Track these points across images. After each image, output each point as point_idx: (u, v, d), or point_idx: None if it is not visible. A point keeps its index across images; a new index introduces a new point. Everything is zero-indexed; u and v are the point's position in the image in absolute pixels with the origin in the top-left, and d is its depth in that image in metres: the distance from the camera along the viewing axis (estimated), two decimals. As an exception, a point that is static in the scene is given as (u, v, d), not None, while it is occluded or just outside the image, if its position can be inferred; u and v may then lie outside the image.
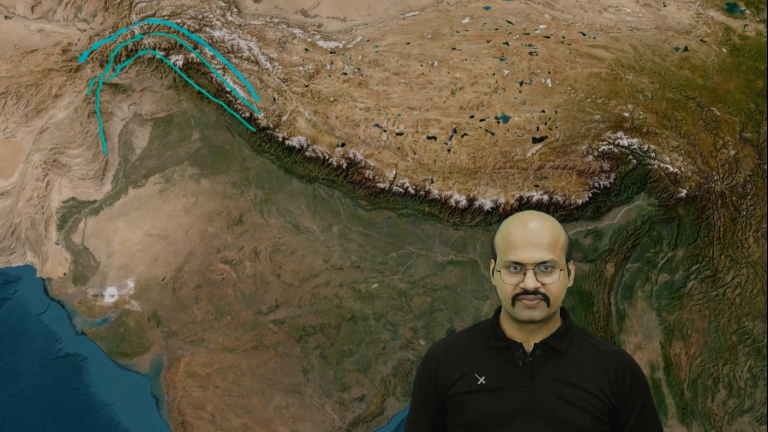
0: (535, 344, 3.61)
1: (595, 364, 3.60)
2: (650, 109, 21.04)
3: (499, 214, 20.97)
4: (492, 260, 3.75)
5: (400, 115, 20.92)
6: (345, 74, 21.05)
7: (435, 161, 20.85)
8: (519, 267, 3.52)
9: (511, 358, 3.62)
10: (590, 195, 20.86)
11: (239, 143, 21.45)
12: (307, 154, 20.96)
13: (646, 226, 20.98)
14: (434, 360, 3.86)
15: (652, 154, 20.97)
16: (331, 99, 20.96)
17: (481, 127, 20.95)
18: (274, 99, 20.98)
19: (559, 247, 3.54)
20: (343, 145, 20.89)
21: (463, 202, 20.80)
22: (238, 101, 21.05)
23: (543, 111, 20.96)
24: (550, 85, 20.97)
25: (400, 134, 20.87)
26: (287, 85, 20.93)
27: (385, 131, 20.84)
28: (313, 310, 20.94)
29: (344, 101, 20.99)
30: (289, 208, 21.27)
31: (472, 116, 20.96)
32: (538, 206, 20.88)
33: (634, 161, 20.98)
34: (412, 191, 20.88)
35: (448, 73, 21.06)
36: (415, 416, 3.99)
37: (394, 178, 20.82)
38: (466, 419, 3.67)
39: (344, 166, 20.94)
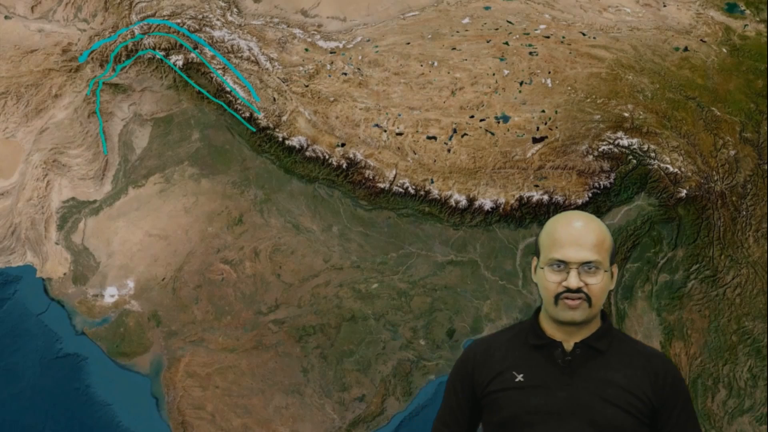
0: (575, 343, 3.61)
1: (637, 365, 3.61)
2: (650, 109, 21.04)
3: (499, 214, 20.97)
4: (534, 257, 3.70)
5: (400, 115, 20.92)
6: (345, 74, 21.04)
7: (435, 161, 20.84)
8: (563, 265, 3.49)
9: (550, 356, 3.63)
10: (590, 195, 20.86)
11: (239, 143, 21.45)
12: (307, 154, 20.96)
13: (646, 226, 20.97)
14: (471, 359, 3.87)
15: (652, 154, 20.97)
16: (331, 99, 20.95)
17: (481, 127, 20.94)
18: (274, 99, 20.98)
19: (605, 248, 3.53)
20: (343, 145, 20.88)
21: (463, 202, 20.80)
22: (238, 101, 21.04)
23: (543, 111, 20.95)
24: (550, 85, 20.96)
25: (400, 134, 20.87)
26: (287, 85, 20.93)
27: (385, 131, 20.84)
28: (313, 310, 20.93)
29: (344, 101, 20.98)
30: (289, 208, 21.26)
31: (472, 116, 20.95)
32: (538, 206, 20.90)
33: (634, 161, 20.97)
34: (412, 191, 20.87)
35: (448, 73, 21.05)
36: (447, 414, 3.99)
37: (394, 178, 20.81)
38: (503, 417, 3.68)
39: (344, 166, 20.93)
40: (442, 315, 21.04)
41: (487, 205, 20.79)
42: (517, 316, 21.25)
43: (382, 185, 20.85)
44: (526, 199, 20.83)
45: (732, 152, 20.93)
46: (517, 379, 3.62)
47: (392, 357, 20.93)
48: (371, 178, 20.85)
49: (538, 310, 3.79)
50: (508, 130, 20.91)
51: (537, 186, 20.82)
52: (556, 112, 20.93)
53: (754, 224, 21.03)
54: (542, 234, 3.64)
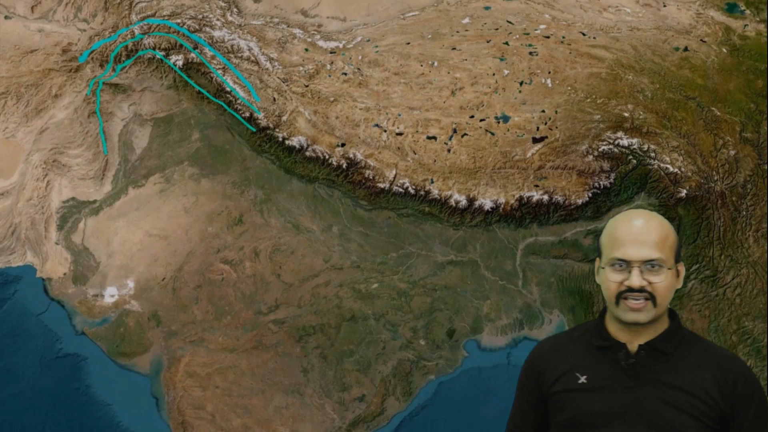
0: (640, 345, 3.52)
1: (704, 368, 3.49)
2: (650, 109, 21.03)
3: (499, 214, 20.96)
4: (597, 258, 3.65)
5: (400, 115, 20.91)
6: (345, 74, 21.04)
7: (435, 161, 20.84)
8: (624, 264, 3.43)
9: (613, 358, 3.55)
10: (590, 195, 20.85)
11: (239, 143, 21.45)
12: (307, 154, 20.96)
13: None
14: (537, 358, 3.85)
15: (652, 154, 20.96)
16: (331, 99, 20.94)
17: (481, 127, 20.94)
18: (274, 99, 20.97)
19: (668, 246, 3.44)
20: (343, 145, 20.88)
21: (463, 202, 20.79)
22: (238, 101, 21.04)
23: (543, 111, 20.95)
24: (550, 85, 20.96)
25: (400, 134, 20.86)
26: (287, 85, 20.93)
27: (385, 131, 20.83)
28: (313, 310, 20.92)
29: (344, 101, 20.97)
30: (289, 208, 21.26)
31: (472, 116, 20.94)
32: (538, 206, 20.90)
33: (634, 161, 20.97)
34: (412, 191, 20.87)
35: (448, 73, 21.05)
36: (517, 414, 3.97)
37: (394, 178, 20.81)
38: (566, 418, 3.64)
39: (344, 166, 20.92)
40: (442, 315, 21.02)
41: (487, 205, 20.79)
42: (516, 316, 21.26)
43: (382, 185, 20.84)
44: (526, 199, 20.83)
45: (732, 152, 20.92)
46: (580, 381, 3.58)
47: (392, 357, 20.91)
48: (371, 178, 20.85)
49: (605, 310, 3.73)
50: (508, 130, 20.90)
51: (537, 186, 20.81)
52: (556, 112, 20.93)
53: (754, 224, 21.03)
54: (603, 233, 3.59)
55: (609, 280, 3.46)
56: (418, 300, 21.06)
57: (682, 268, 3.53)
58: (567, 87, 20.98)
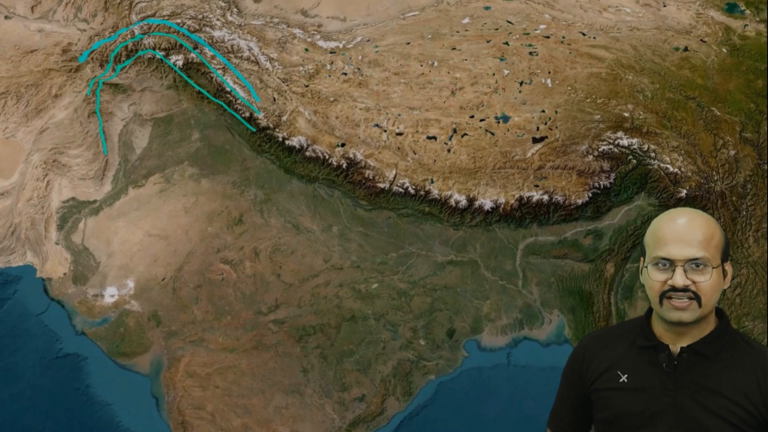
0: (682, 348, 3.47)
1: (746, 373, 3.41)
2: (650, 109, 21.03)
3: (499, 214, 20.96)
4: (641, 258, 3.62)
5: (400, 115, 20.90)
6: (345, 74, 21.04)
7: (435, 161, 20.83)
8: (668, 263, 3.38)
9: (655, 359, 3.52)
10: (590, 195, 20.84)
11: (239, 143, 21.44)
12: (307, 154, 20.95)
13: (646, 226, 20.87)
14: (582, 352, 3.85)
15: (652, 154, 20.95)
16: (331, 99, 20.93)
17: (481, 127, 20.93)
18: (274, 99, 20.97)
19: (713, 245, 3.37)
20: (343, 145, 20.87)
21: (463, 202, 20.78)
22: (238, 101, 21.04)
23: (543, 111, 20.94)
24: (550, 85, 20.96)
25: (400, 134, 20.85)
26: (287, 85, 20.92)
27: (385, 131, 20.82)
28: (313, 310, 20.92)
29: (344, 101, 20.96)
30: (289, 208, 21.25)
31: (472, 116, 20.93)
32: (538, 206, 20.90)
33: (634, 161, 20.96)
34: (412, 191, 20.86)
35: (448, 73, 21.04)
36: (559, 404, 4.02)
37: (394, 178, 20.80)
38: (607, 415, 3.64)
39: (344, 166, 20.92)
40: (442, 315, 21.01)
41: (487, 205, 20.78)
42: (516, 316, 21.25)
43: (382, 185, 20.83)
44: (526, 199, 20.82)
45: (732, 152, 20.92)
46: (621, 380, 3.57)
47: (392, 357, 20.90)
48: (371, 178, 20.84)
49: (651, 310, 3.69)
50: (508, 130, 20.89)
51: (537, 186, 20.80)
52: (556, 112, 20.92)
53: (754, 224, 21.02)
54: (647, 233, 3.56)
55: (652, 279, 3.41)
56: (418, 300, 21.05)
57: (729, 267, 3.46)
58: (567, 87, 20.97)
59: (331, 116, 20.89)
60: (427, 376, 20.81)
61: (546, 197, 20.82)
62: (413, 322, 20.99)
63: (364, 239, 21.21)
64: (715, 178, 20.92)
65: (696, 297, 3.35)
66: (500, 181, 20.77)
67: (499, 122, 20.90)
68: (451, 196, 20.75)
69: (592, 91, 21.02)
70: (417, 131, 20.80)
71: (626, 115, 20.92)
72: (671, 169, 20.88)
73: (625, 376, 3.53)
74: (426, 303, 21.04)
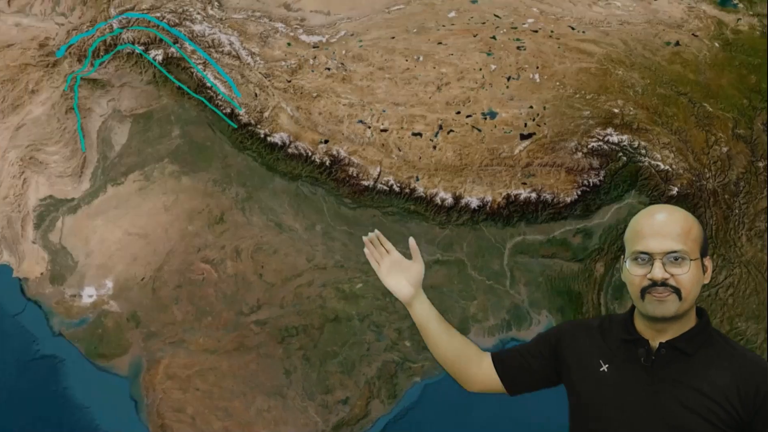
0: (661, 343, 3.42)
1: (726, 372, 3.34)
2: (641, 105, 20.55)
3: (486, 213, 20.49)
4: (622, 256, 3.60)
5: (384, 111, 20.44)
6: (328, 69, 20.56)
7: (420, 158, 20.37)
8: (647, 257, 3.34)
9: (635, 353, 3.47)
10: (579, 193, 20.38)
11: (220, 140, 20.97)
12: (290, 151, 20.48)
13: (636, 225, 20.48)
14: (565, 329, 3.84)
15: (643, 151, 20.49)
16: (314, 94, 20.46)
17: (467, 124, 20.46)
18: (256, 95, 20.49)
19: (691, 238, 3.35)
20: (326, 141, 20.40)
21: (449, 200, 20.32)
22: (219, 97, 20.56)
23: (531, 107, 20.47)
24: (538, 80, 20.48)
25: (384, 131, 20.38)
26: (269, 81, 20.44)
27: (370, 127, 20.35)
28: (296, 311, 20.48)
29: (327, 97, 20.49)
30: (271, 207, 20.80)
31: (459, 112, 20.46)
32: (526, 204, 20.43)
33: (624, 158, 20.49)
34: (397, 189, 20.39)
35: (434, 68, 20.58)
36: (513, 347, 4.01)
37: (379, 175, 20.33)
38: (581, 402, 3.58)
39: (327, 163, 20.45)
40: (428, 316, 20.54)
41: (474, 203, 20.31)
42: (504, 317, 20.79)
43: (366, 183, 20.37)
44: (513, 197, 20.35)
45: (724, 149, 20.45)
46: (602, 369, 3.50)
47: (377, 359, 20.48)
48: (355, 175, 20.37)
49: (634, 307, 3.64)
50: (495, 126, 20.43)
51: (525, 184, 20.34)
52: (544, 107, 20.46)
53: (747, 223, 20.56)
54: (627, 230, 3.55)
55: (632, 274, 3.40)
56: (403, 300, 20.57)
57: (709, 262, 3.43)
58: (555, 82, 20.49)
59: (314, 112, 20.41)
60: (412, 378, 20.38)
61: (534, 195, 20.34)
62: (398, 323, 20.55)
63: (348, 238, 20.75)
64: (708, 175, 20.46)
65: (676, 290, 3.31)
66: (487, 179, 20.29)
67: (486, 118, 20.43)
68: (436, 194, 20.28)
69: (581, 87, 20.55)
70: (402, 127, 20.33)
71: (616, 111, 20.45)
72: (662, 166, 20.41)
73: (606, 366, 3.49)
74: (411, 303, 20.55)
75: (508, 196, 20.31)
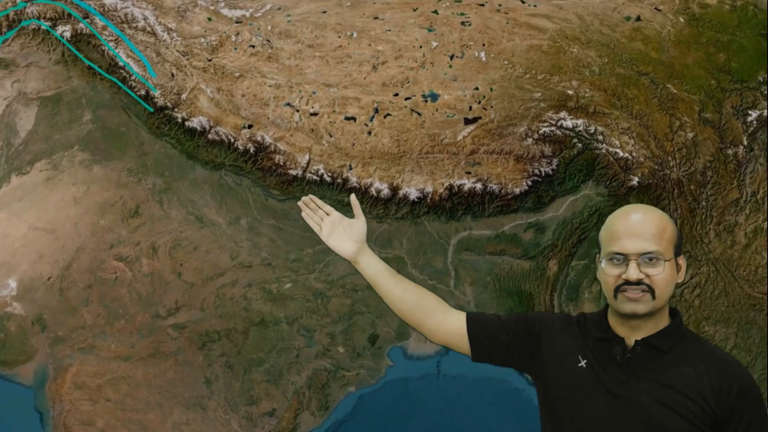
0: (636, 341, 3.38)
1: (700, 370, 3.32)
2: (598, 86, 18.65)
3: (427, 205, 18.60)
4: (597, 255, 3.51)
5: (314, 92, 18.54)
6: (253, 47, 18.64)
7: (354, 145, 18.47)
8: (622, 258, 3.29)
9: (610, 351, 3.43)
10: (530, 183, 18.52)
11: (136, 125, 19.08)
12: (210, 137, 18.59)
13: (594, 219, 18.65)
14: (543, 318, 3.72)
15: (600, 137, 18.60)
16: (237, 75, 18.56)
17: (406, 107, 18.56)
18: (173, 75, 18.58)
19: (666, 238, 3.29)
20: (250, 126, 18.51)
21: (386, 191, 18.43)
22: (133, 77, 18.65)
23: (476, 88, 18.57)
24: (484, 59, 18.58)
25: (314, 114, 18.49)
26: (187, 59, 18.53)
27: (298, 111, 18.46)
28: (218, 314, 18.70)
29: (251, 77, 18.58)
30: (191, 198, 18.95)
31: (396, 94, 18.58)
32: (471, 196, 18.54)
33: (580, 145, 18.62)
34: (328, 179, 18.50)
35: (370, 45, 18.66)
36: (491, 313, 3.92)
37: (308, 164, 18.44)
38: (556, 397, 3.51)
39: (252, 150, 18.56)
40: (364, 319, 18.79)
41: (413, 194, 18.43)
42: (448, 319, 18.91)
43: (294, 172, 18.49)
44: (456, 187, 18.47)
45: (690, 135, 18.57)
46: (579, 364, 3.46)
47: (307, 366, 18.72)
48: (282, 164, 18.48)
49: (608, 305, 3.58)
50: (437, 109, 18.53)
51: (469, 173, 18.46)
52: (491, 89, 18.56)
53: (715, 216, 18.69)
54: (601, 230, 3.48)
55: (607, 274, 3.36)
56: (336, 302, 18.79)
57: (683, 261, 3.41)
58: (504, 61, 18.58)
59: (236, 94, 18.51)
60: (346, 388, 18.68)
61: (479, 186, 18.45)
62: (331, 326, 18.75)
63: (276, 233, 18.90)
64: (671, 164, 18.58)
65: (650, 290, 3.29)
66: (427, 168, 18.41)
67: (426, 101, 18.54)
68: (371, 185, 18.39)
69: (532, 66, 18.63)
70: (333, 111, 18.44)
71: (570, 92, 18.54)
72: (621, 153, 18.52)
73: (585, 361, 3.44)
74: (345, 305, 18.78)
75: (451, 186, 18.43)
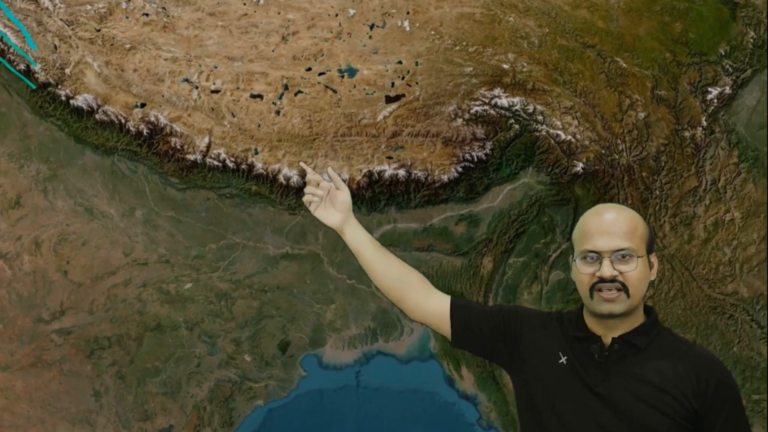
0: (613, 339, 3.38)
1: (678, 365, 3.32)
2: (537, 60, 16.47)
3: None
4: (571, 255, 3.46)
5: (216, 67, 16.37)
6: (146, 15, 16.45)
7: (260, 126, 16.30)
8: (595, 256, 3.30)
9: (588, 349, 3.41)
10: (460, 170, 16.37)
11: (18, 104, 16.89)
12: (98, 117, 16.39)
13: (534, 210, 16.54)
14: (522, 313, 3.67)
15: (540, 118, 16.45)
16: (128, 47, 16.37)
17: (319, 83, 16.39)
18: (56, 47, 16.37)
19: (638, 235, 3.32)
20: (143, 105, 16.33)
21: (295, 178, 16.25)
22: (12, 50, 16.45)
23: (399, 62, 16.39)
24: (408, 29, 16.40)
25: (215, 92, 16.32)
26: (72, 29, 16.33)
27: (197, 88, 16.30)
28: (109, 317, 16.68)
29: (145, 49, 16.39)
30: (80, 187, 16.81)
31: (309, 69, 16.41)
32: (393, 184, 16.39)
33: (517, 127, 16.47)
34: (231, 164, 16.32)
35: (279, 13, 16.47)
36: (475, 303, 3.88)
37: (208, 148, 16.27)
38: (536, 394, 3.49)
39: (145, 132, 16.37)
40: (274, 323, 16.72)
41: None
42: (369, 324, 16.82)
43: (192, 157, 16.30)
44: (377, 174, 16.31)
45: (641, 115, 16.41)
46: (560, 360, 3.46)
47: (209, 377, 16.70)
48: (179, 147, 16.31)
49: (584, 305, 3.54)
50: (355, 86, 16.36)
51: (390, 158, 16.31)
52: (416, 63, 16.39)
53: (670, 207, 16.54)
54: (575, 229, 3.48)
55: (581, 272, 3.37)
56: (242, 304, 16.71)
57: (654, 259, 3.44)
58: (430, 31, 16.38)
59: (127, 69, 16.32)
60: (253, 401, 16.70)
61: (402, 172, 16.29)
62: (236, 332, 16.67)
63: (175, 227, 16.77)
64: (621, 147, 16.43)
65: (624, 288, 3.30)
66: (344, 152, 16.24)
67: (342, 76, 16.37)
68: (279, 171, 16.22)
69: (463, 37, 16.44)
70: (237, 88, 16.26)
71: (506, 67, 16.36)
72: (564, 136, 16.36)
73: (565, 358, 3.45)
74: (253, 308, 16.69)
75: (370, 173, 16.26)
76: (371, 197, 16.46)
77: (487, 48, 16.47)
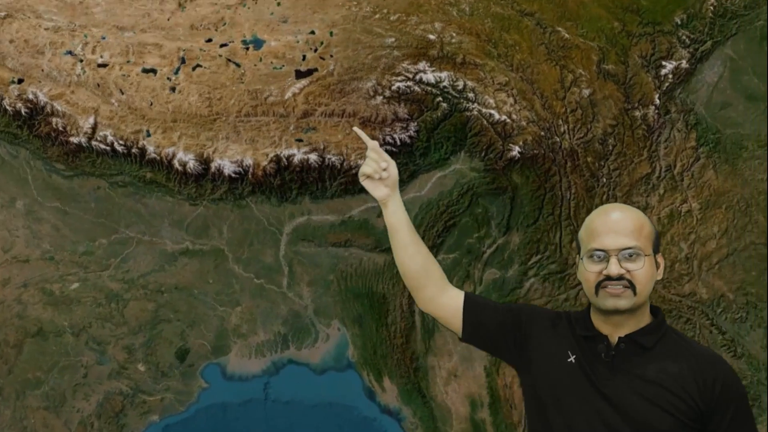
0: (620, 338, 3.32)
1: (684, 365, 3.26)
2: (468, 30, 14.58)
3: (250, 183, 14.52)
4: (578, 256, 3.43)
5: (104, 37, 14.49)
6: (25, -21, 14.56)
7: (152, 105, 14.39)
8: (602, 254, 3.27)
9: (595, 349, 3.36)
10: (381, 154, 14.35)
11: None
12: (-30, 95, 14.48)
13: (466, 200, 14.72)
14: (528, 311, 3.59)
15: (471, 95, 14.57)
16: (3, 14, 14.49)
17: (221, 56, 14.52)
18: None
19: (644, 235, 3.28)
20: (20, 81, 14.45)
21: (192, 163, 14.34)
22: None
23: (312, 32, 14.50)
24: (322, -6, 14.49)
25: (102, 66, 14.44)
26: (-60, -5, 14.46)
27: (81, 61, 14.42)
28: (-16, 321, 14.68)
29: (23, 18, 14.51)
30: (-46, 175, 14.88)
31: (209, 40, 14.53)
32: (305, 170, 14.50)
33: (445, 105, 14.60)
34: (121, 148, 14.40)
35: (175, -23, 14.56)
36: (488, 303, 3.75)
37: (93, 129, 14.34)
38: (545, 393, 3.43)
39: (24, 112, 14.45)
40: (171, 328, 14.95)
41: (228, 168, 14.36)
42: (279, 329, 14.95)
43: (76, 140, 14.39)
44: (285, 159, 14.39)
45: (586, 92, 14.55)
46: (569, 359, 3.41)
47: (97, 389, 14.99)
48: (62, 129, 14.38)
49: (591, 305, 3.47)
50: (261, 59, 14.47)
51: (301, 141, 14.41)
52: (330, 33, 14.49)
53: (620, 197, 14.67)
54: (581, 230, 3.45)
55: (588, 270, 3.32)
56: (136, 306, 14.92)
57: (661, 258, 3.35)
58: (347, -3, 14.48)
59: (2, 40, 14.42)
60: (147, 417, 15.00)
61: (314, 157, 14.38)
62: (129, 338, 14.87)
63: (61, 219, 14.92)
64: (562, 129, 14.56)
65: (631, 285, 3.22)
66: (247, 134, 14.36)
67: (247, 48, 14.49)
68: (174, 156, 14.30)
69: (384, 4, 14.55)
70: (128, 61, 14.38)
71: (432, 37, 14.47)
72: (498, 116, 14.47)
73: (574, 357, 3.39)
74: (148, 311, 14.91)
75: (278, 158, 14.35)
76: (280, 185, 14.57)
77: (411, 16, 14.55)
